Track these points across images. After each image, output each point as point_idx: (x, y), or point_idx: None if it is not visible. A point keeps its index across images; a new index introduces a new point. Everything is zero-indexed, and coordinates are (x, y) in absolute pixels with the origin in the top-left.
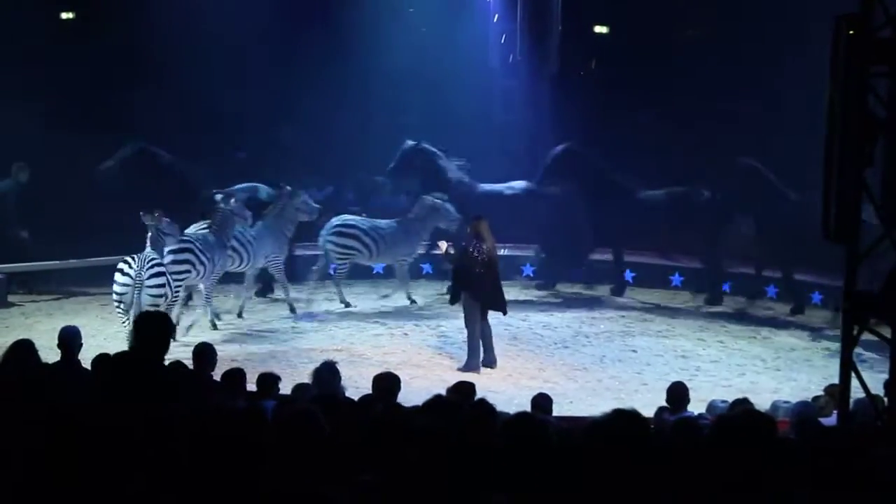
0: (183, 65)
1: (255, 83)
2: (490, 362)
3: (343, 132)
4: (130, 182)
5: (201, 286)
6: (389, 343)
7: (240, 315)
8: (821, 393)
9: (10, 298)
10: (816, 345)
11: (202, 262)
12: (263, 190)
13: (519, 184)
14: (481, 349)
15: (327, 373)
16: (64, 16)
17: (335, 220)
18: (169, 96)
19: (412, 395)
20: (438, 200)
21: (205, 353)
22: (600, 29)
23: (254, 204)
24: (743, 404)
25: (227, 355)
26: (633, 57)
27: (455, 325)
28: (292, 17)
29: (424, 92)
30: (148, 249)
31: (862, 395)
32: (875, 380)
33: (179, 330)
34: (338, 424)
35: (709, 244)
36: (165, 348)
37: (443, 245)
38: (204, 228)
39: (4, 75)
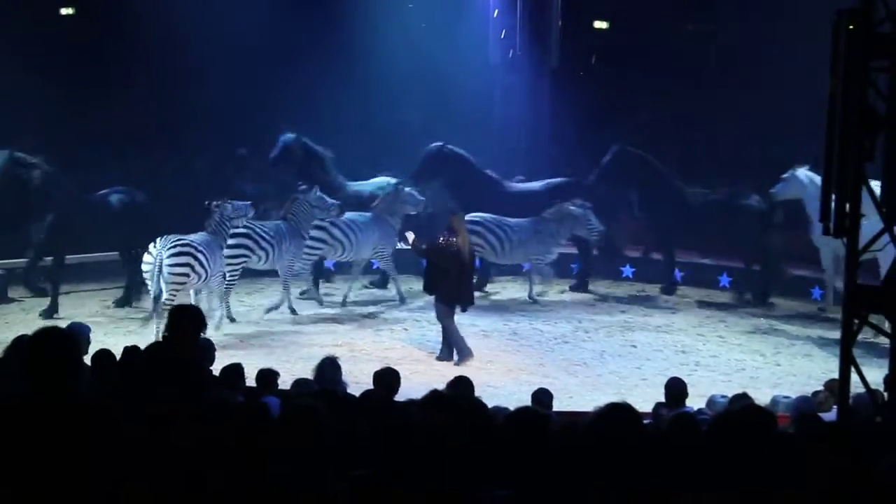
0: (183, 62)
1: (255, 80)
2: (446, 357)
3: (343, 128)
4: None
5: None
6: (390, 339)
7: (343, 304)
8: (820, 388)
9: (11, 294)
10: (816, 339)
11: (263, 249)
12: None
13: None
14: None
15: (330, 368)
16: (63, 11)
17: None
18: (165, 94)
19: (412, 390)
20: (579, 209)
21: (203, 348)
22: (600, 24)
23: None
24: (743, 399)
25: (227, 352)
26: (633, 53)
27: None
28: (293, 15)
29: (424, 87)
30: (198, 234)
31: (861, 389)
32: (875, 374)
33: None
34: (338, 419)
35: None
36: (194, 342)
37: (409, 236)
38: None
39: (4, 73)
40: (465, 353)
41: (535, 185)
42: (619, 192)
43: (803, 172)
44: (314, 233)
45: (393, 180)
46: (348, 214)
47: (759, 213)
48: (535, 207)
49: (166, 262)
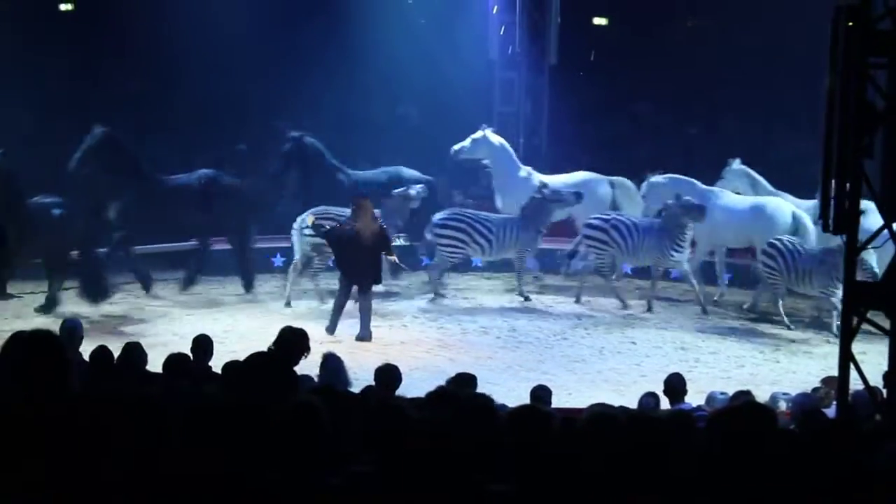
0: (182, 56)
1: (254, 75)
2: (363, 337)
3: (342, 123)
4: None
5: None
6: (389, 335)
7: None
8: (819, 385)
9: (10, 290)
10: (817, 336)
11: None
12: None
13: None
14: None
15: (334, 363)
16: (63, 7)
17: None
18: (168, 88)
19: (412, 386)
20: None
21: (201, 344)
22: (599, 21)
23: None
24: (744, 396)
25: (227, 348)
26: (632, 48)
27: (454, 317)
28: (291, 9)
29: (423, 83)
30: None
31: (860, 386)
32: (875, 371)
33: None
34: (338, 415)
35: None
36: (297, 358)
37: (310, 218)
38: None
39: (3, 69)
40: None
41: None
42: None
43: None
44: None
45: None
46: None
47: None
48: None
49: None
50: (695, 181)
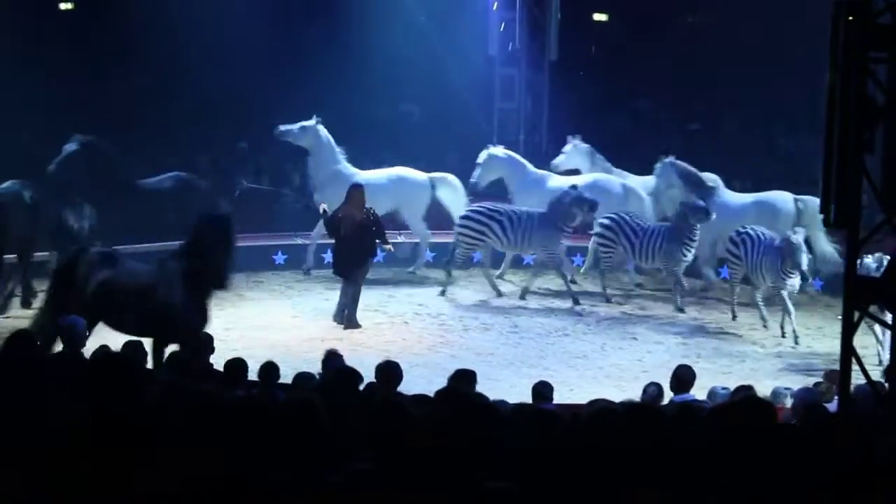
0: (182, 55)
1: (255, 73)
2: (347, 324)
3: (343, 120)
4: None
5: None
6: (390, 332)
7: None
8: (821, 379)
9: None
10: (817, 331)
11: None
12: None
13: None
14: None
15: (335, 362)
16: (63, 6)
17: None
18: (168, 87)
19: (413, 383)
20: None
21: (202, 342)
22: (599, 17)
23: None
24: (745, 391)
25: (228, 346)
26: (633, 44)
27: (456, 313)
28: (293, 8)
29: (424, 80)
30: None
31: (861, 381)
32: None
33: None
34: (340, 413)
35: None
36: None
37: (322, 206)
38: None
39: (3, 66)
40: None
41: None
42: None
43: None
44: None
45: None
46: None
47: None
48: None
49: None
50: (526, 164)
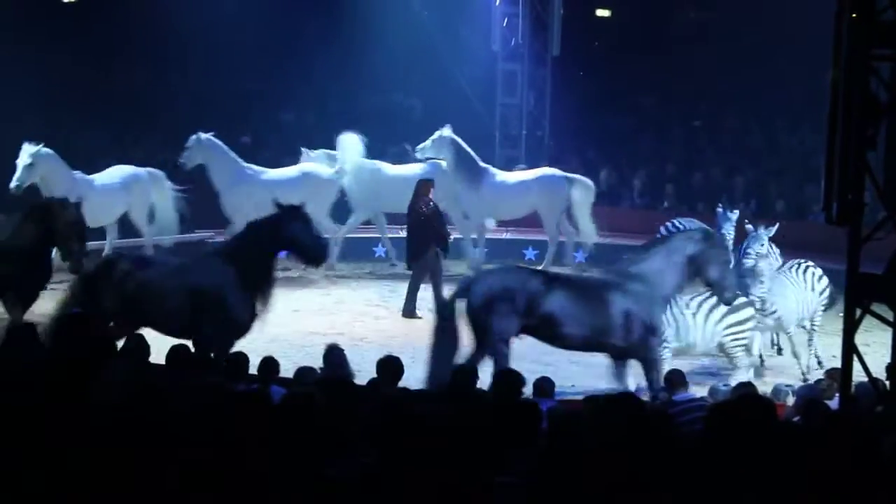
0: (185, 49)
1: (258, 67)
2: (404, 312)
3: (345, 114)
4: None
5: None
6: (391, 326)
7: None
8: (822, 377)
9: None
10: (820, 329)
11: None
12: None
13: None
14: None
15: (335, 355)
16: (64, 0)
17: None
18: (169, 78)
19: (415, 378)
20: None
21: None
22: (602, 13)
23: None
24: (746, 388)
25: None
26: (635, 40)
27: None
28: (296, 2)
29: (427, 75)
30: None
31: (863, 378)
32: (878, 363)
33: None
34: (343, 408)
35: None
36: None
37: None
38: None
39: (5, 60)
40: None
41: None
42: None
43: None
44: None
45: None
46: None
47: None
48: None
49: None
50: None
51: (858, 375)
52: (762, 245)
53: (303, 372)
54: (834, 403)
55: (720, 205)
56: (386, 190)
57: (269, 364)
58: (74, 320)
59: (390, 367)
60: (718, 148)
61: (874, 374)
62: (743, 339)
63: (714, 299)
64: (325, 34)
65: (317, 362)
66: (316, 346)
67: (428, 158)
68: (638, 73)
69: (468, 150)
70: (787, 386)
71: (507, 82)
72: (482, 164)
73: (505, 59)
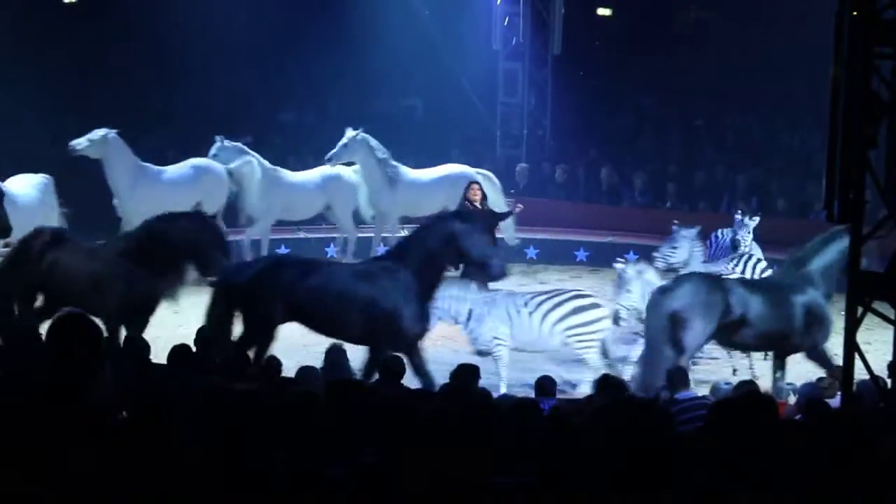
0: (186, 49)
1: (259, 66)
2: None
3: (346, 114)
4: None
5: None
6: None
7: None
8: (824, 375)
9: None
10: None
11: None
12: None
13: None
14: None
15: (337, 355)
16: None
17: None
18: (169, 79)
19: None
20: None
21: (205, 336)
22: (603, 11)
23: None
24: (748, 386)
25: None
26: (636, 39)
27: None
28: (296, 2)
29: (428, 74)
30: None
31: (865, 376)
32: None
33: None
34: (345, 407)
35: None
36: None
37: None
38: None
39: (5, 60)
40: None
41: None
42: None
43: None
44: None
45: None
46: None
47: None
48: None
49: None
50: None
51: (860, 374)
52: (749, 233)
53: (305, 371)
54: (836, 402)
55: (740, 210)
56: (285, 197)
57: (271, 363)
58: (73, 320)
59: (392, 366)
60: (720, 147)
61: (876, 373)
62: (590, 340)
63: (556, 299)
64: (325, 34)
65: (318, 362)
66: (318, 346)
67: (348, 163)
68: (639, 71)
69: (382, 149)
70: (788, 384)
71: (508, 81)
72: (394, 162)
73: (506, 58)
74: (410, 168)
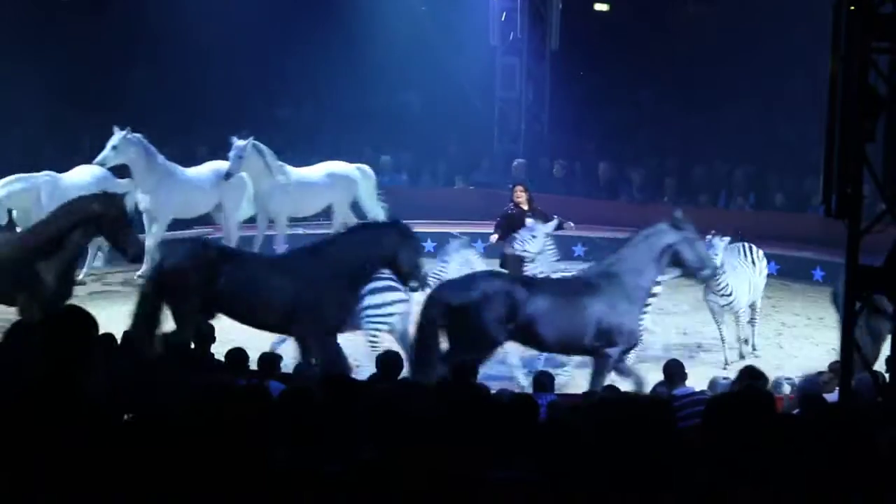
0: (185, 46)
1: (255, 62)
2: None
3: (343, 110)
4: None
5: None
6: None
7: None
8: (824, 369)
9: None
10: (818, 321)
11: None
12: None
13: None
14: None
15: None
16: None
17: None
18: (167, 75)
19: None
20: None
21: (203, 332)
22: (601, 6)
23: None
24: (746, 379)
25: (228, 336)
26: (634, 34)
27: None
28: None
29: (424, 70)
30: None
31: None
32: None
33: None
34: (342, 403)
35: None
36: None
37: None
38: None
39: (5, 57)
40: None
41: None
42: None
43: None
44: None
45: None
46: None
47: None
48: None
49: None
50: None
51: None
52: (717, 254)
53: (302, 367)
54: (834, 396)
55: (712, 232)
56: (180, 195)
57: (269, 359)
58: (69, 316)
59: (390, 362)
60: (718, 141)
61: (874, 367)
62: (379, 322)
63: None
64: (322, 29)
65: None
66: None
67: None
68: (637, 66)
69: (269, 151)
70: (786, 379)
71: (505, 76)
72: (280, 162)
73: (503, 53)
74: (294, 167)
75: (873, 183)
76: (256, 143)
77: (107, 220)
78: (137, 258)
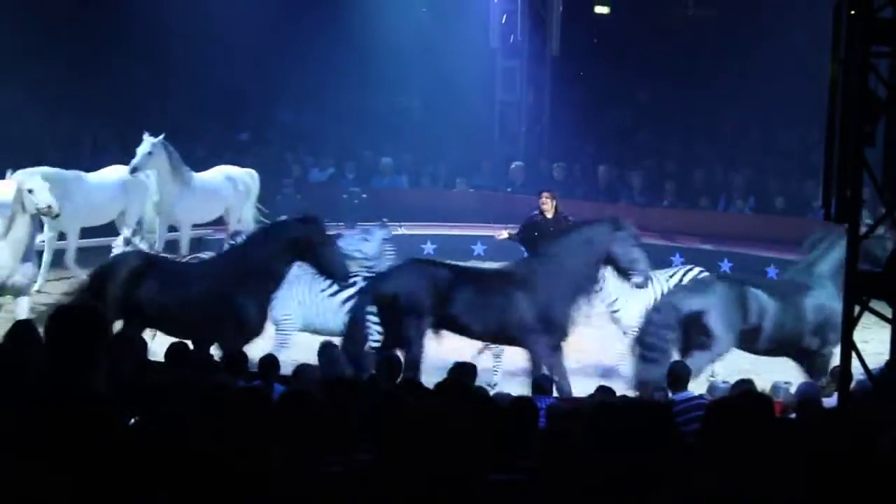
0: (184, 46)
1: (255, 64)
2: None
3: (343, 112)
4: None
5: None
6: None
7: None
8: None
9: None
10: None
11: None
12: None
13: None
14: None
15: (331, 352)
16: None
17: None
18: (168, 77)
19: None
20: None
21: None
22: (601, 9)
23: None
24: (745, 385)
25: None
26: (634, 37)
27: None
28: None
29: (425, 72)
30: None
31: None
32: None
33: None
34: (341, 404)
35: None
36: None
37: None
38: None
39: (4, 55)
40: None
41: None
42: None
43: None
44: None
45: None
46: None
47: None
48: None
49: None
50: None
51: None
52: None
53: (302, 369)
54: (833, 401)
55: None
56: (86, 201)
57: (269, 362)
58: (73, 314)
59: (389, 364)
60: (718, 145)
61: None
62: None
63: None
64: (323, 32)
65: (315, 359)
66: (315, 343)
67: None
68: (637, 69)
69: (176, 153)
70: (785, 383)
71: (506, 79)
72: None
73: (504, 56)
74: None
75: (873, 187)
76: (166, 142)
77: (310, 244)
78: (344, 278)
